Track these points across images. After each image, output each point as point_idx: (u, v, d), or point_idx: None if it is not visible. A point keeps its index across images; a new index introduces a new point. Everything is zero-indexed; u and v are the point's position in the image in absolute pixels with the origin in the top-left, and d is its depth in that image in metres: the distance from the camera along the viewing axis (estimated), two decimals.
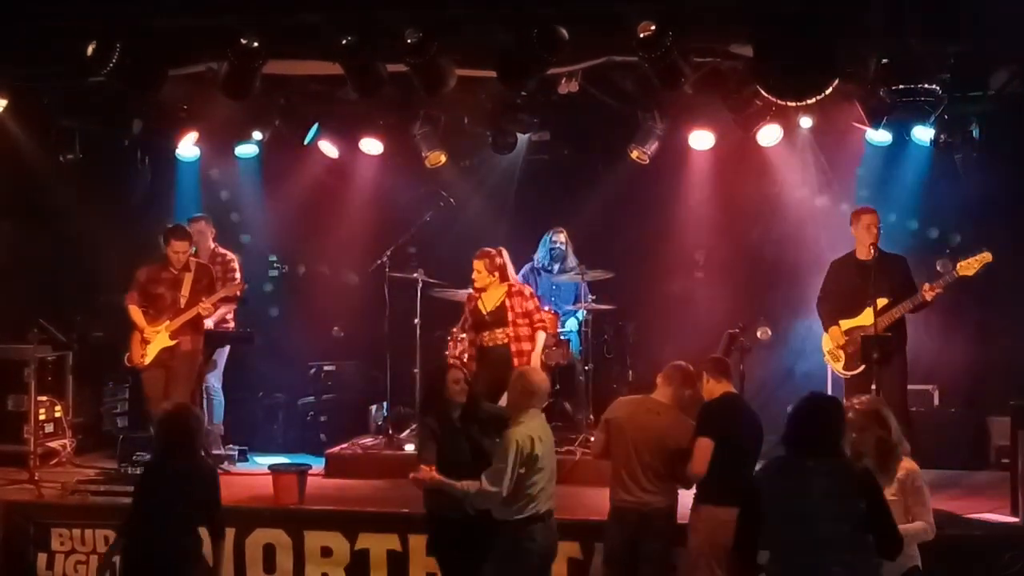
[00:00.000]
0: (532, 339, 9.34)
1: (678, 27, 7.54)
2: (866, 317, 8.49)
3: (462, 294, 9.94)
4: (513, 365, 9.07)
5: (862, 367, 8.54)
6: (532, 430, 6.58)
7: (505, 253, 9.52)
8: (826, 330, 8.87)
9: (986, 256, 8.34)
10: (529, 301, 9.40)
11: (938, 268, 9.34)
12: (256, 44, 7.91)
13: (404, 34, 7.72)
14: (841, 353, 8.73)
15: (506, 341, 9.30)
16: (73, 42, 7.93)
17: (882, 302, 8.46)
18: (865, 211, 8.85)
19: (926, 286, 8.46)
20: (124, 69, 7.91)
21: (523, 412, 6.66)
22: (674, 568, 7.08)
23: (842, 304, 8.75)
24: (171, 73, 8.41)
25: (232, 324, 10.44)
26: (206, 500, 6.49)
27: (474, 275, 9.38)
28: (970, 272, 8.37)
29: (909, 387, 9.49)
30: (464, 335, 9.64)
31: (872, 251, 8.50)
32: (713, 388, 6.95)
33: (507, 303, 9.32)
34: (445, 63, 8.16)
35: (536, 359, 9.28)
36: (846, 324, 8.70)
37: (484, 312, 9.37)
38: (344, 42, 7.85)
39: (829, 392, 9.32)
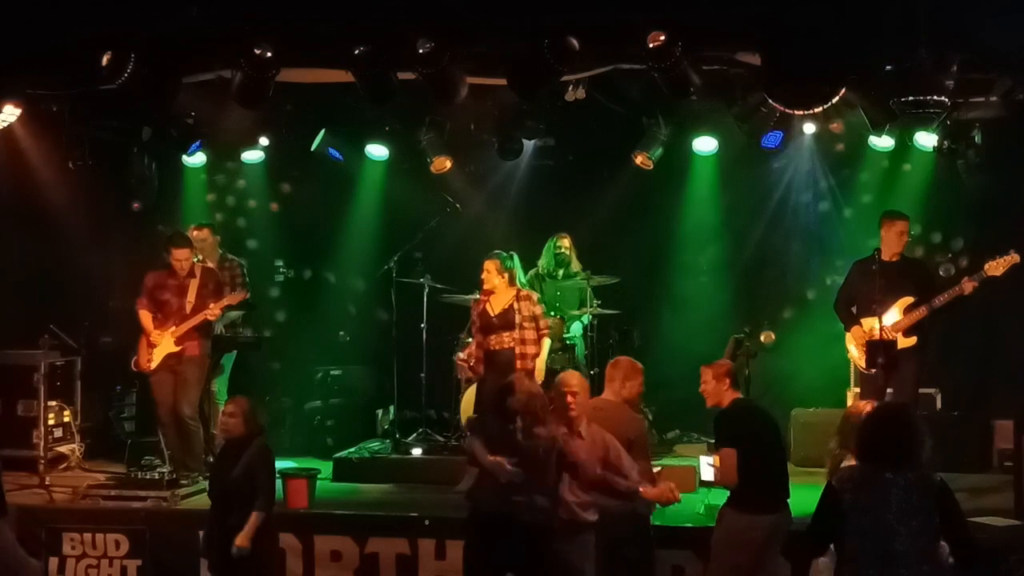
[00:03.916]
0: (537, 343, 9.35)
1: (688, 37, 7.60)
2: (889, 315, 8.67)
3: (469, 299, 9.99)
4: (515, 368, 9.14)
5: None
6: None
7: (516, 258, 9.57)
8: (848, 329, 8.99)
9: (1014, 257, 8.48)
10: (537, 307, 9.42)
11: (940, 273, 9.42)
12: (270, 54, 7.97)
13: (416, 43, 7.79)
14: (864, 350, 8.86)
15: (512, 345, 9.32)
16: (86, 51, 7.99)
17: (908, 300, 8.67)
18: (900, 217, 8.99)
19: (959, 286, 8.61)
20: (139, 78, 7.98)
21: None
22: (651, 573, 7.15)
23: (866, 303, 8.83)
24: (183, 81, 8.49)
25: (241, 329, 10.49)
26: (269, 479, 7.21)
27: (483, 275, 9.37)
28: (998, 272, 8.51)
29: None
30: (470, 339, 9.70)
31: (897, 255, 8.79)
32: (724, 396, 6.96)
33: (515, 307, 9.33)
34: (457, 72, 8.23)
35: (541, 365, 9.30)
36: (868, 323, 8.80)
37: (492, 315, 9.37)
38: (357, 51, 7.92)
39: (852, 385, 9.45)
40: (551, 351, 9.86)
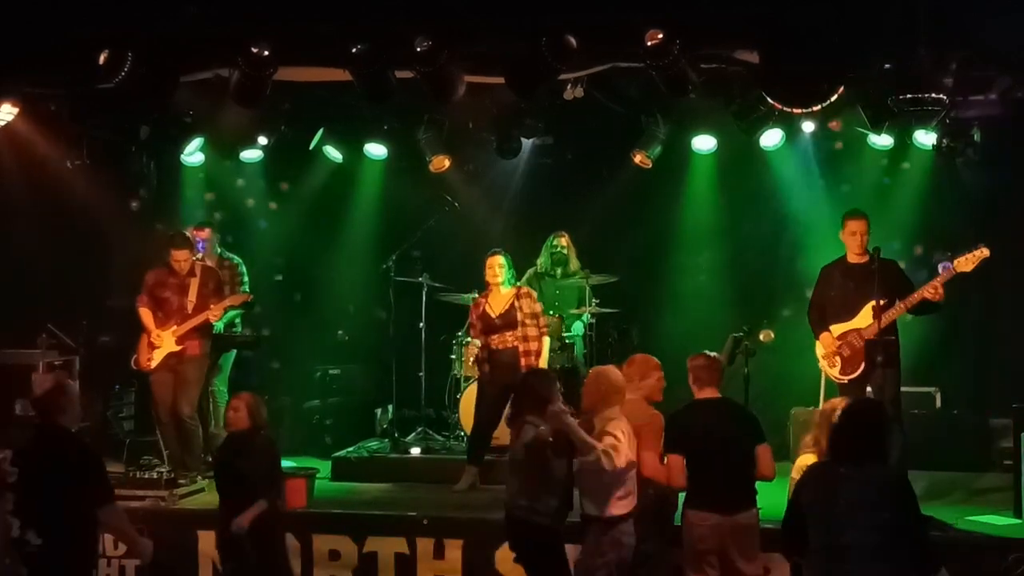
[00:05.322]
0: (539, 340, 9.36)
1: (687, 36, 7.60)
2: (859, 320, 8.46)
3: (468, 298, 9.98)
4: (520, 367, 9.16)
5: (859, 371, 8.47)
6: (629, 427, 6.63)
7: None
8: (817, 337, 8.77)
9: (983, 252, 8.24)
10: (536, 304, 9.45)
11: (939, 269, 9.38)
12: (267, 52, 7.97)
13: (414, 42, 7.78)
14: (837, 359, 8.62)
15: (515, 344, 9.32)
16: (84, 50, 7.99)
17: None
18: (850, 217, 8.73)
19: (928, 285, 8.38)
20: (136, 77, 7.98)
21: (610, 408, 6.65)
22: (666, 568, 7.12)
23: (834, 309, 8.67)
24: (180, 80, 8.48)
25: (239, 328, 10.49)
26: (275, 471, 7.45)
27: (496, 269, 9.36)
28: (968, 268, 8.26)
29: (912, 389, 9.56)
30: (475, 340, 9.62)
31: (863, 256, 8.52)
32: (694, 391, 6.96)
33: (516, 304, 9.34)
34: (455, 71, 8.23)
35: (543, 363, 9.29)
36: (838, 329, 8.59)
37: (493, 316, 9.38)
38: (355, 50, 7.92)
39: (822, 397, 9.40)
40: (550, 350, 9.86)
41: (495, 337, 9.35)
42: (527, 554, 6.87)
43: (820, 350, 8.78)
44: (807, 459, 6.37)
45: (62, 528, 6.10)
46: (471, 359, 9.78)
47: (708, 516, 6.64)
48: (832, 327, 8.64)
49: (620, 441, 6.48)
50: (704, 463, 6.68)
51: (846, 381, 8.60)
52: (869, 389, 8.33)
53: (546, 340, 9.42)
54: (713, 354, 7.16)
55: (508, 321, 9.33)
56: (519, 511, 6.76)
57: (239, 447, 7.33)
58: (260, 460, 7.26)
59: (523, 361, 9.22)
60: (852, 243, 8.64)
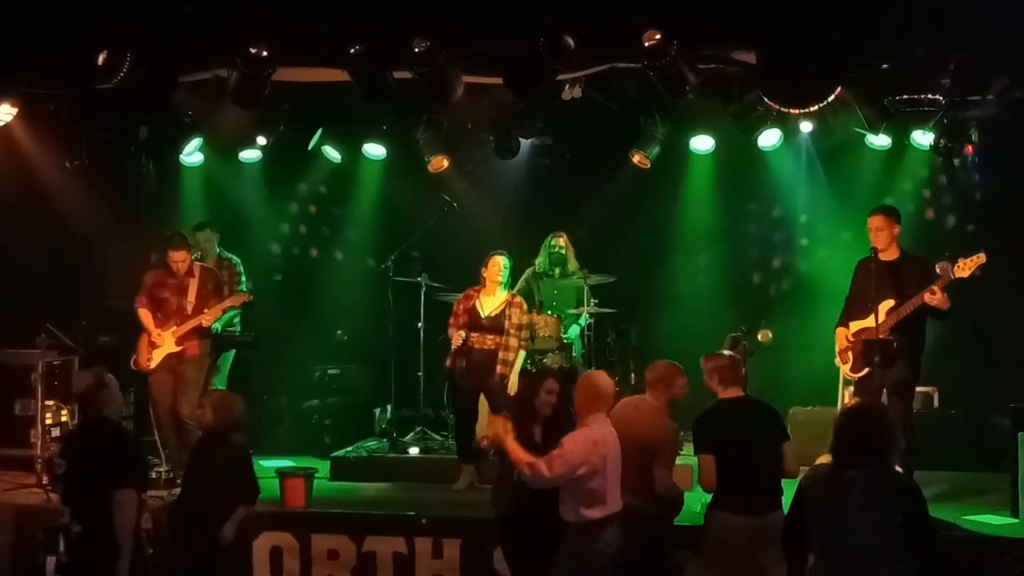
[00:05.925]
0: (516, 352, 9.41)
1: (684, 36, 7.61)
2: (872, 318, 8.36)
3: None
4: (495, 371, 9.26)
5: (867, 370, 8.42)
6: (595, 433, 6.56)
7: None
8: (835, 331, 8.80)
9: (980, 257, 8.19)
10: (525, 316, 9.51)
11: (937, 271, 9.37)
12: (266, 53, 7.99)
13: (413, 42, 7.80)
14: (849, 355, 8.61)
15: (494, 348, 9.37)
16: (84, 51, 8.01)
17: (889, 303, 8.36)
18: (872, 213, 8.65)
19: (927, 288, 8.31)
20: (135, 77, 8.00)
21: (590, 415, 6.60)
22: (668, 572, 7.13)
23: (860, 305, 8.59)
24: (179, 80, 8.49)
25: (238, 328, 10.50)
26: (250, 475, 7.40)
27: (500, 269, 9.41)
28: (965, 273, 8.21)
29: None
30: (455, 332, 9.53)
31: (884, 253, 8.47)
32: (717, 392, 6.91)
33: (507, 312, 9.39)
34: (453, 71, 8.24)
35: (515, 377, 9.33)
36: (856, 325, 8.58)
37: (482, 314, 9.42)
38: (353, 50, 7.94)
39: (840, 394, 9.39)
40: (548, 350, 9.87)
41: (476, 335, 9.38)
42: (508, 549, 7.04)
43: (837, 345, 8.78)
44: (826, 459, 6.29)
45: (100, 518, 6.30)
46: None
47: (737, 517, 6.60)
48: (852, 323, 8.64)
49: (564, 448, 6.40)
50: (732, 463, 6.63)
51: (855, 378, 8.61)
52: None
53: (522, 354, 9.46)
54: (728, 353, 7.16)
55: (495, 324, 9.39)
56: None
57: (206, 446, 7.36)
58: (224, 460, 7.23)
59: (499, 368, 9.30)
60: (871, 240, 8.57)
